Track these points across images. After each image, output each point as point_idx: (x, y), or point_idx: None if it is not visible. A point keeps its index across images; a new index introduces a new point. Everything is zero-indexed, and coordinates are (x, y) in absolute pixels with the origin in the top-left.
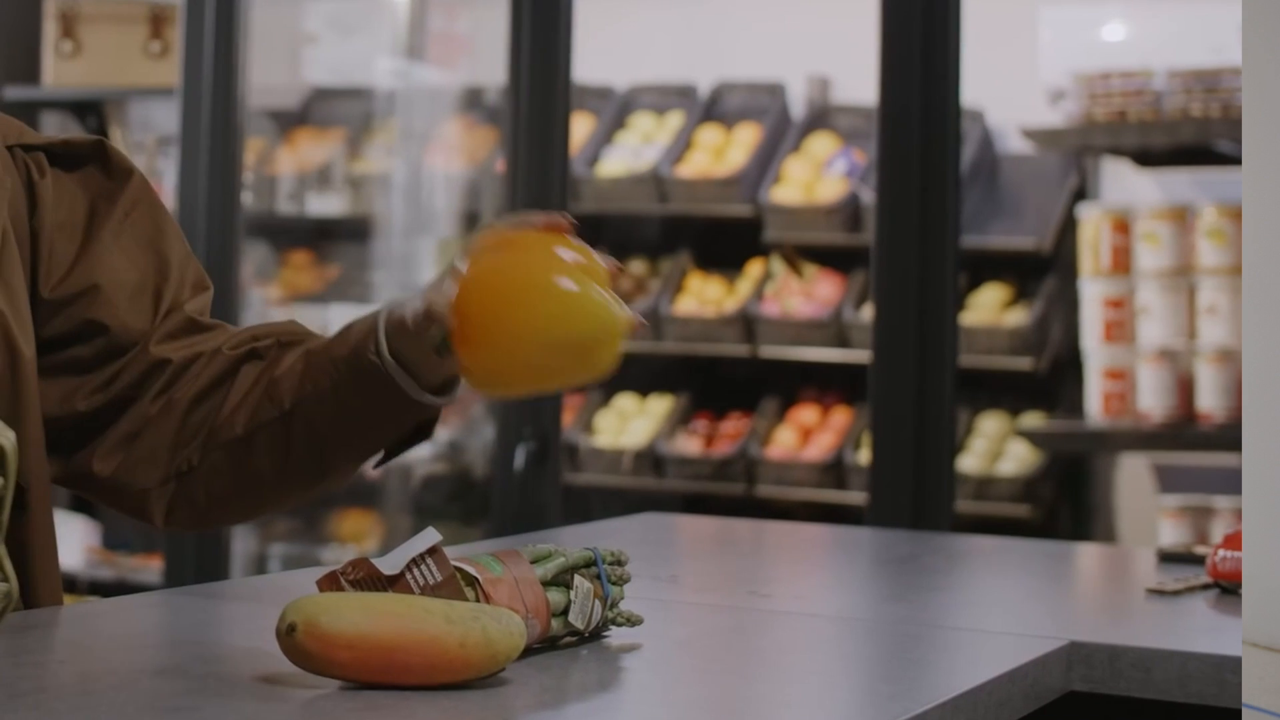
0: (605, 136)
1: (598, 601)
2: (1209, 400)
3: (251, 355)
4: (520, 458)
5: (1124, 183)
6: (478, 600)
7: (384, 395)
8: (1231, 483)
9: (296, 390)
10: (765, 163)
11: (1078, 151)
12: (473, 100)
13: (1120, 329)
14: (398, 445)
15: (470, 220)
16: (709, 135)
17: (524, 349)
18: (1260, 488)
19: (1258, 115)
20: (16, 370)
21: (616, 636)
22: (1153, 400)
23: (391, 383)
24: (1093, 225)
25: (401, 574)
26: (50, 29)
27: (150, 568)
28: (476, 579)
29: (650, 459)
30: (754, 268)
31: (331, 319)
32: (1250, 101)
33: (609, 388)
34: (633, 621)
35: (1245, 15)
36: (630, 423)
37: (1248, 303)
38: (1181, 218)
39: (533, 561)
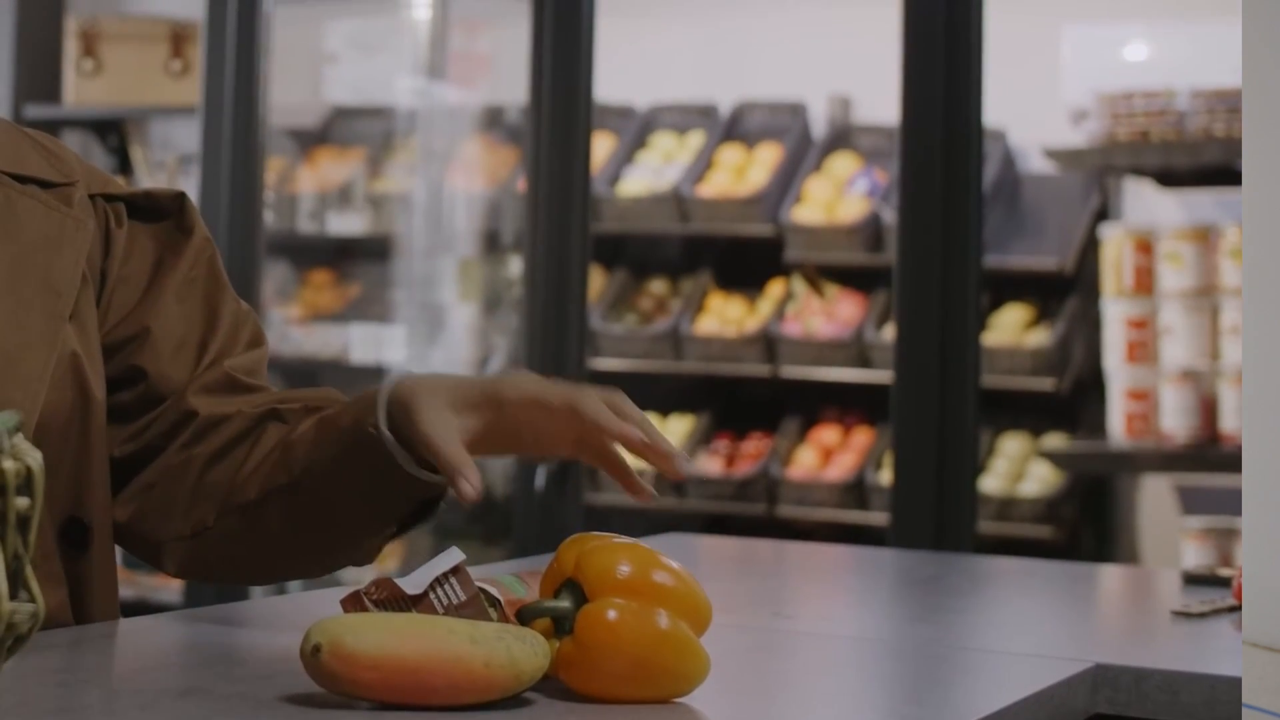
0: (626, 156)
1: None
2: (1233, 421)
3: (274, 415)
4: (541, 478)
5: (1146, 203)
6: (500, 622)
7: (383, 469)
8: None
9: (306, 457)
10: (786, 182)
11: (1100, 171)
12: (493, 119)
13: (1143, 349)
14: (405, 522)
15: (491, 240)
16: (730, 155)
17: (637, 693)
18: (1260, 488)
19: (1259, 129)
20: (88, 411)
21: None
22: (1175, 421)
23: (390, 458)
24: (1115, 245)
25: (425, 593)
26: (71, 47)
27: (170, 587)
28: (499, 601)
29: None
30: (775, 287)
31: (352, 338)
32: (1251, 115)
33: None
34: None
35: (1245, 30)
36: None
37: (1247, 299)
38: (1204, 238)
39: None
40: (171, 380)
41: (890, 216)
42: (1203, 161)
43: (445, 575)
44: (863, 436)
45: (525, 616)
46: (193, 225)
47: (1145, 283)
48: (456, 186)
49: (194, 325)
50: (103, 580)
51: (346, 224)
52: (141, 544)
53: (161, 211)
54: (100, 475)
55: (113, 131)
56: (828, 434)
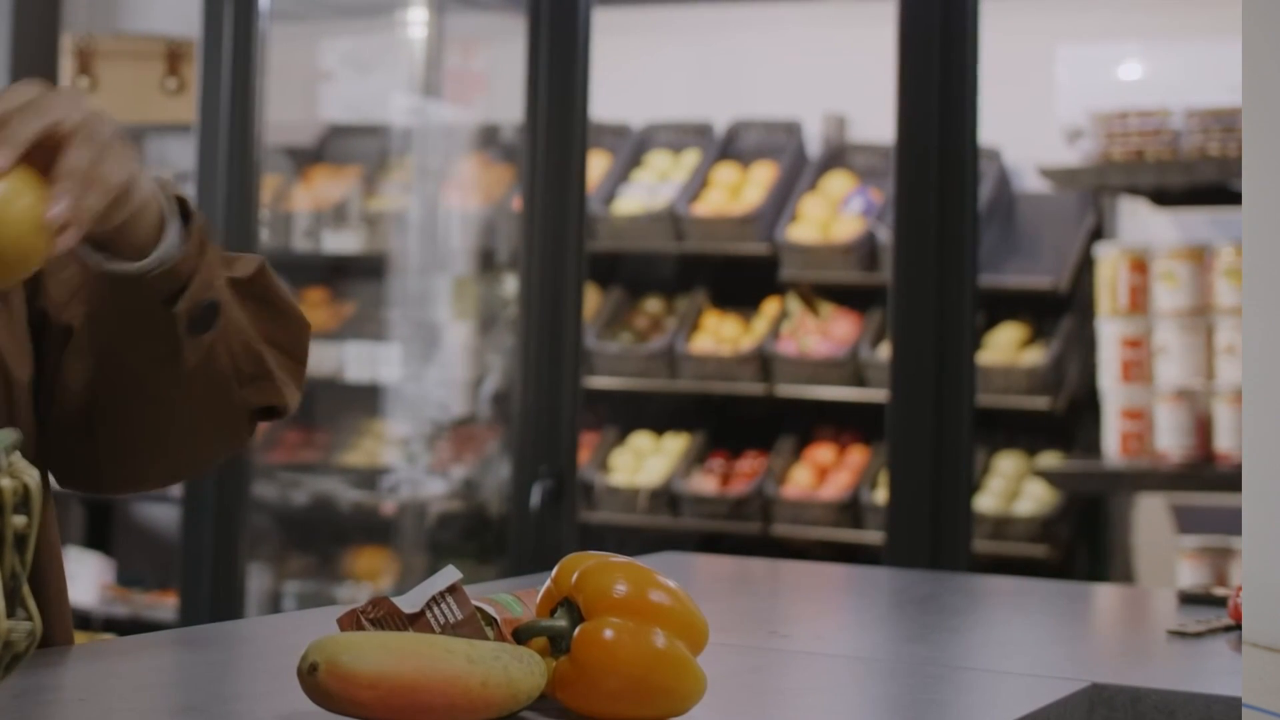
0: (622, 174)
1: None
2: (1228, 440)
3: None
4: (536, 495)
5: (1141, 222)
6: (497, 641)
7: (95, 275)
8: None
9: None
10: (781, 201)
11: (1095, 190)
12: (489, 138)
13: (1138, 369)
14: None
15: (486, 258)
16: (725, 173)
17: (633, 713)
18: (1259, 487)
19: (1259, 145)
20: (12, 397)
21: None
22: (1171, 440)
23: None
24: (1110, 264)
25: (422, 612)
26: (67, 65)
27: (165, 604)
28: (495, 620)
29: (666, 497)
30: (770, 306)
31: (347, 356)
32: (1251, 130)
33: (625, 426)
34: None
35: (1245, 46)
36: (646, 461)
37: (1247, 296)
38: (1199, 257)
39: None
40: (59, 305)
41: (885, 235)
42: (1197, 181)
43: (442, 594)
44: (858, 455)
45: (522, 635)
46: None
47: (1140, 302)
48: (452, 205)
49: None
50: (50, 578)
51: (341, 242)
52: (71, 473)
53: None
54: (32, 461)
55: None
56: (823, 452)
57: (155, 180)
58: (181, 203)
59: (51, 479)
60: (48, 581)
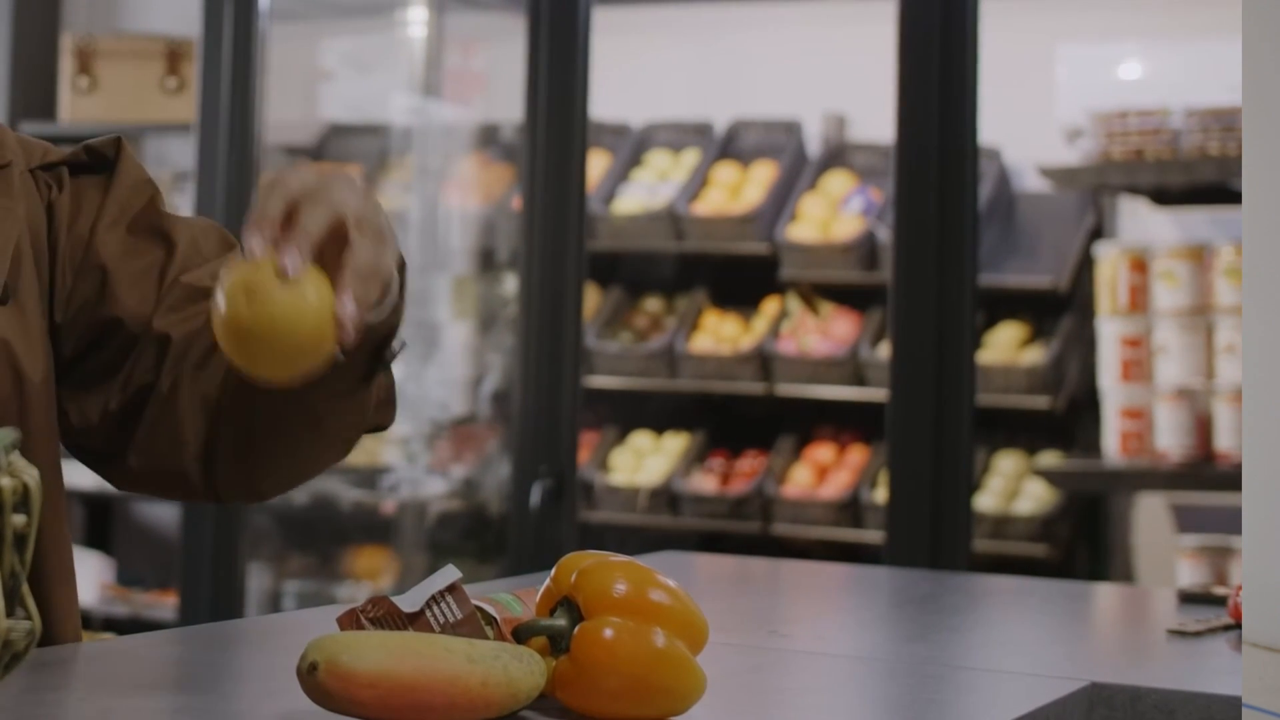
0: (621, 174)
1: None
2: (1227, 440)
3: None
4: (536, 495)
5: (1141, 221)
6: (497, 641)
7: None
8: None
9: None
10: (781, 200)
11: (1095, 190)
12: (489, 137)
13: (1138, 368)
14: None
15: (486, 258)
16: (725, 173)
17: (633, 712)
18: (1259, 487)
19: (1259, 143)
20: (23, 395)
21: None
22: (1171, 440)
23: None
24: (1110, 264)
25: (421, 611)
26: (67, 65)
27: (165, 604)
28: (495, 619)
29: (666, 497)
30: (770, 306)
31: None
32: (1251, 128)
33: (625, 425)
34: None
35: (1245, 44)
36: (646, 460)
37: (1247, 296)
38: (1199, 257)
39: None
40: (140, 314)
41: (885, 235)
42: (1197, 180)
43: (441, 593)
44: (858, 454)
45: (522, 635)
46: (129, 165)
47: (1140, 301)
48: (452, 204)
49: (149, 253)
50: (59, 576)
51: None
52: (170, 483)
53: (106, 162)
54: (43, 461)
55: None
56: (823, 452)
57: None
58: None
59: (70, 476)
60: (54, 579)
